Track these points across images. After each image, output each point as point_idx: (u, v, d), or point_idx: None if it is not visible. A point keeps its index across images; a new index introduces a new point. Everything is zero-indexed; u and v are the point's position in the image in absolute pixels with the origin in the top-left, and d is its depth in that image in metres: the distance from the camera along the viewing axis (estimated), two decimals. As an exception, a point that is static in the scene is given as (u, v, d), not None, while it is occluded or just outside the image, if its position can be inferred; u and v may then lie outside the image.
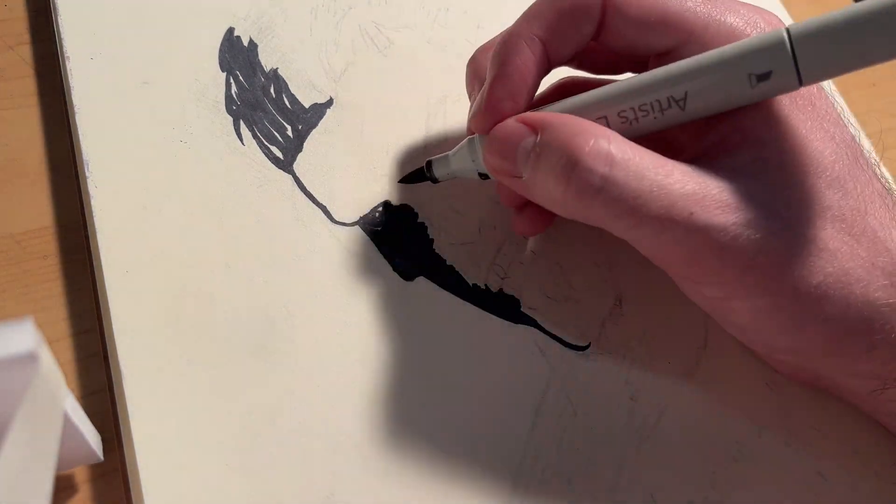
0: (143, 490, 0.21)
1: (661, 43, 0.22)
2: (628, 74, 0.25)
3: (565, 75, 0.27)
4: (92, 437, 0.20)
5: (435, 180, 0.27)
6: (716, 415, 0.26)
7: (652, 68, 0.24)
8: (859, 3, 0.19)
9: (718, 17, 0.22)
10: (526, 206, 0.26)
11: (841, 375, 0.24)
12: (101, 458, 0.21)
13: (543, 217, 0.26)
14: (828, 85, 0.30)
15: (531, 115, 0.22)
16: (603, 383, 0.26)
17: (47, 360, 0.16)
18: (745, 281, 0.21)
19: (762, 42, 0.20)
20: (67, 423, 0.18)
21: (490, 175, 0.25)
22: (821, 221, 0.21)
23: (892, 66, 0.41)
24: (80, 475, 0.22)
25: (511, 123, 0.23)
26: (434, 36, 0.32)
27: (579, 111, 0.22)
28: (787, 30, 0.20)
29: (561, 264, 0.28)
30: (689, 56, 0.22)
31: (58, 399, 0.17)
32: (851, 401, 0.26)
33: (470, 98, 0.26)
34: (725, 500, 0.25)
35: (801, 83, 0.20)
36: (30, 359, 0.15)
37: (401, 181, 0.27)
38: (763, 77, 0.20)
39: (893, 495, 0.26)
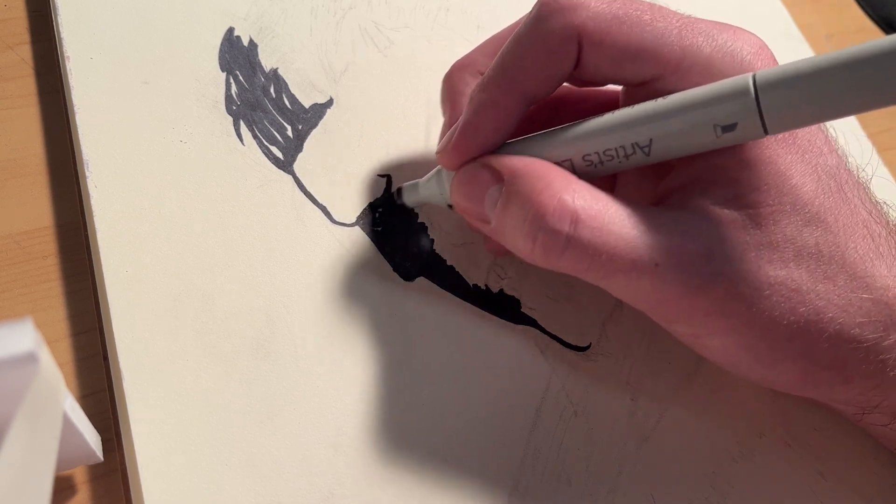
0: (143, 490, 0.21)
1: (638, 75, 0.22)
2: (611, 86, 0.25)
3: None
4: (92, 437, 0.20)
5: (405, 206, 0.27)
6: (716, 415, 0.26)
7: (627, 96, 0.24)
8: (825, 55, 0.19)
9: (695, 48, 0.21)
10: None
11: (823, 400, 0.24)
12: (101, 458, 0.21)
13: None
14: None
15: (497, 161, 0.22)
16: (603, 384, 0.26)
17: (47, 361, 0.16)
18: (714, 324, 0.21)
19: (727, 91, 0.20)
20: (67, 424, 0.18)
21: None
22: (795, 262, 0.20)
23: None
24: (80, 475, 0.22)
25: (477, 170, 0.22)
26: (434, 36, 0.32)
27: (544, 152, 0.22)
28: (754, 77, 0.19)
29: (561, 264, 0.28)
30: (663, 89, 0.21)
31: (57, 399, 0.17)
32: (840, 415, 0.26)
33: (444, 115, 0.26)
34: (725, 500, 0.25)
35: (766, 133, 0.20)
36: (29, 359, 0.15)
37: (370, 205, 0.27)
38: (728, 128, 0.20)
39: (893, 495, 0.26)
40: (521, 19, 0.23)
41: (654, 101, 0.21)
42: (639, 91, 0.23)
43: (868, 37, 0.41)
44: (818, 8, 0.41)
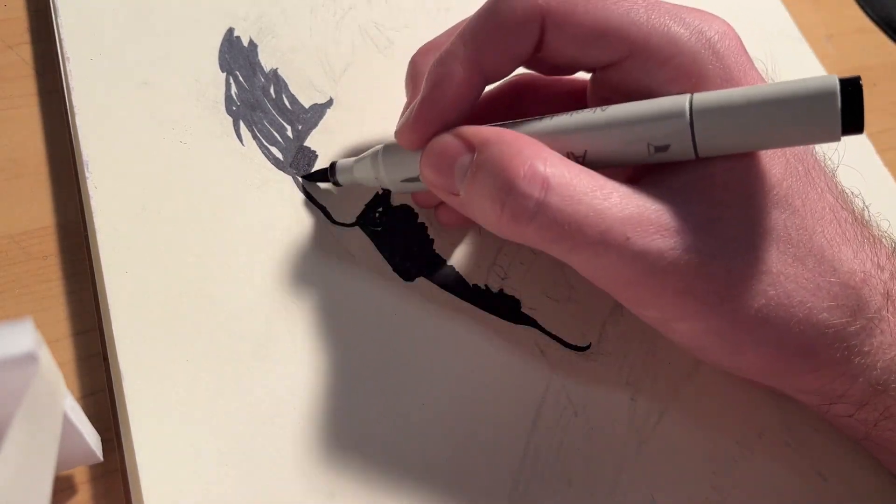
0: (143, 490, 0.21)
1: (604, 57, 0.22)
2: (581, 74, 0.24)
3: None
4: (91, 437, 0.20)
5: (337, 184, 0.26)
6: (716, 415, 0.26)
7: (595, 85, 0.24)
8: (762, 86, 0.19)
9: (662, 27, 0.21)
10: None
11: (788, 391, 0.24)
12: (101, 458, 0.21)
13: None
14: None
15: (468, 130, 0.22)
16: (603, 384, 0.26)
17: (47, 361, 0.16)
18: (683, 305, 0.20)
19: (663, 112, 0.20)
20: (67, 424, 0.18)
21: (391, 187, 0.25)
22: (764, 243, 0.20)
23: (892, 65, 0.41)
24: (80, 475, 0.22)
25: (448, 139, 0.22)
26: (434, 36, 0.32)
27: None
28: (691, 101, 0.20)
29: (561, 265, 0.28)
30: (629, 73, 0.21)
31: (57, 399, 0.17)
32: (808, 407, 0.26)
33: (407, 98, 0.26)
34: (725, 500, 0.25)
35: (697, 156, 0.20)
36: (29, 359, 0.15)
37: (304, 177, 0.27)
38: (661, 149, 0.20)
39: (893, 495, 0.26)
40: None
41: (592, 110, 0.21)
42: (605, 76, 0.22)
43: (868, 37, 0.41)
44: (818, 8, 0.41)
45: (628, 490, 0.24)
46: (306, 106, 0.29)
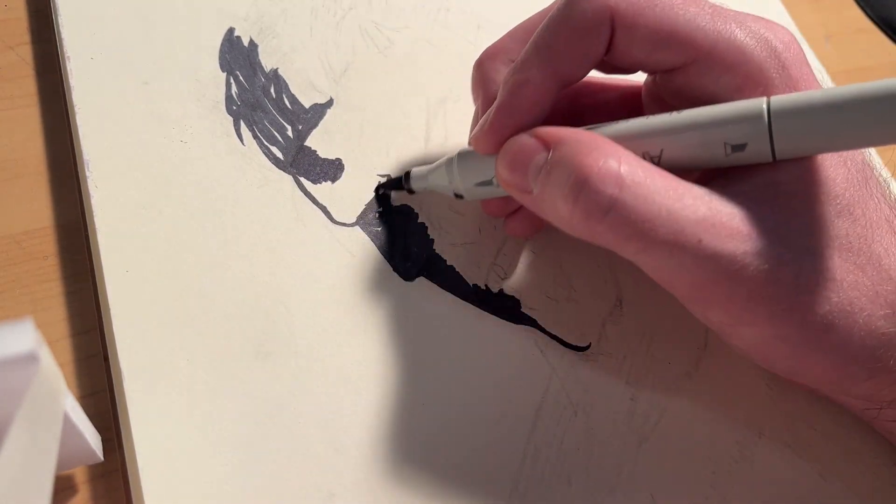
0: (143, 490, 0.21)
1: (669, 61, 0.22)
2: (640, 74, 0.25)
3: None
4: (92, 437, 0.20)
5: (411, 191, 0.27)
6: (716, 415, 0.26)
7: (653, 86, 0.24)
8: (840, 88, 0.19)
9: (727, 34, 0.22)
10: (517, 210, 0.27)
11: (838, 396, 0.24)
12: (101, 458, 0.21)
13: (536, 220, 0.26)
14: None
15: (544, 130, 0.22)
16: (603, 384, 0.26)
17: (47, 361, 0.16)
18: (752, 310, 0.21)
19: (741, 113, 0.20)
20: (67, 424, 0.18)
21: (462, 195, 0.25)
22: (829, 251, 0.21)
23: (892, 65, 0.41)
24: (80, 475, 0.22)
25: (524, 138, 0.22)
26: (434, 36, 0.32)
27: None
28: (768, 102, 0.20)
29: (561, 264, 0.28)
30: (693, 77, 0.22)
31: (58, 399, 0.17)
32: (848, 410, 0.27)
33: (475, 103, 0.26)
34: (725, 500, 0.25)
35: (774, 158, 0.20)
36: (30, 359, 0.15)
37: (378, 187, 0.28)
38: (738, 147, 0.20)
39: (893, 495, 0.26)
40: (552, 4, 0.23)
41: (668, 114, 0.21)
42: (667, 80, 0.23)
43: (868, 37, 0.41)
44: (818, 8, 0.41)
45: (628, 490, 0.24)
46: (306, 106, 0.29)
